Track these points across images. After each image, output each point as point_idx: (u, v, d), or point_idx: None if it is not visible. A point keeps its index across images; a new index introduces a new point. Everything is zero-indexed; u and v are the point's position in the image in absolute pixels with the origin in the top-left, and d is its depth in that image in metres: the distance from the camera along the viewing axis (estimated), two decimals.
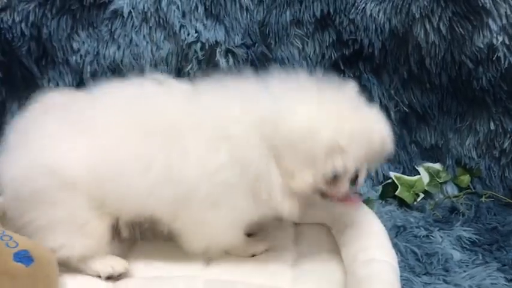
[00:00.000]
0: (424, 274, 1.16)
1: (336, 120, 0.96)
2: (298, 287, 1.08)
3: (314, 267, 1.15)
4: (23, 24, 1.45)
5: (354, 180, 1.03)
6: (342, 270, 1.12)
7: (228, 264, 1.13)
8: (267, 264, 1.15)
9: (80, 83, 1.53)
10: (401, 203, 1.46)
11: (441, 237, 1.28)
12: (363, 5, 1.38)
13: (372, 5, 1.38)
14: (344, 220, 1.23)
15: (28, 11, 1.45)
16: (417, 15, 1.36)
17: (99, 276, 1.09)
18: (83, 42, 1.49)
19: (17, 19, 1.45)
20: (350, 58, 1.44)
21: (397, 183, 1.47)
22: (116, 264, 1.10)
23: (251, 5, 1.43)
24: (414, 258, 1.21)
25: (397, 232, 1.31)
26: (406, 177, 1.49)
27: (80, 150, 1.02)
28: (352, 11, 1.39)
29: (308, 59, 1.45)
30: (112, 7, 1.46)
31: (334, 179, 1.00)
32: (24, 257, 1.04)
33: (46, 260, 1.06)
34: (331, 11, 1.40)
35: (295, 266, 1.16)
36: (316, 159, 0.96)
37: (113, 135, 1.02)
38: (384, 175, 1.54)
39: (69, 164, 1.01)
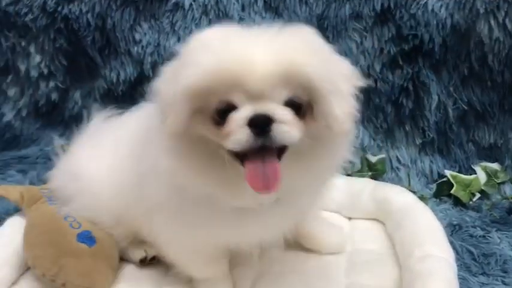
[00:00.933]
0: (481, 274, 1.13)
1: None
2: (353, 278, 1.09)
3: (368, 260, 1.15)
4: (89, 15, 1.52)
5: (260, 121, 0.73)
6: (397, 265, 1.11)
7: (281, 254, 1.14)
8: (322, 257, 1.16)
9: (140, 74, 1.58)
10: (457, 201, 1.43)
11: (499, 238, 1.25)
12: (425, 0, 1.36)
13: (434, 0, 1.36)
14: (398, 216, 1.22)
15: (94, 2, 1.51)
16: (481, 11, 1.33)
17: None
18: (145, 34, 1.54)
19: (84, 10, 1.52)
20: (409, 53, 1.41)
21: (453, 182, 1.44)
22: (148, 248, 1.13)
23: None
24: (470, 258, 1.19)
25: (452, 230, 1.28)
26: (462, 176, 1.46)
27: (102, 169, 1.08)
28: (413, 5, 1.37)
29: (366, 53, 1.44)
30: (173, 0, 1.50)
31: (219, 121, 0.76)
32: (87, 238, 1.09)
33: (107, 242, 1.10)
34: (392, 5, 1.38)
35: (350, 258, 1.16)
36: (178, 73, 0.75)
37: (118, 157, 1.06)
38: (438, 173, 1.51)
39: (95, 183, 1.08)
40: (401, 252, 1.13)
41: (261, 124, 0.72)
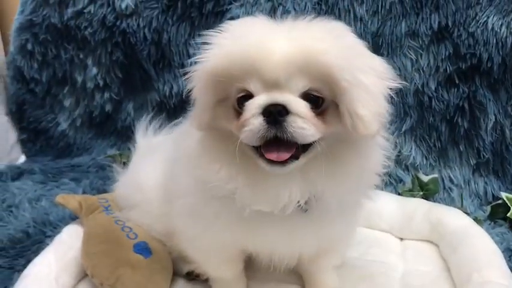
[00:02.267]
0: None
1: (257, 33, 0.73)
2: None
3: (423, 283, 1.13)
4: (146, 29, 1.56)
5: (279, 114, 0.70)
6: None
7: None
8: (374, 278, 1.14)
9: None
10: None
11: None
12: (485, 18, 1.34)
13: (495, 18, 1.33)
14: (454, 239, 1.20)
15: (152, 17, 1.54)
16: None
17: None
18: (199, 48, 1.56)
19: (142, 24, 1.55)
20: (466, 72, 1.39)
21: (509, 205, 1.40)
22: None
23: (366, 15, 1.42)
24: None
25: (510, 256, 1.24)
26: None
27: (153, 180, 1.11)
28: (473, 24, 1.35)
29: (421, 71, 1.42)
30: (229, 15, 1.52)
31: (239, 110, 0.75)
32: (143, 249, 1.10)
33: (162, 253, 1.12)
34: (450, 23, 1.37)
35: (403, 281, 1.14)
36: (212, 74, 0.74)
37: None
38: (493, 195, 1.47)
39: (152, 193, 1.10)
40: (457, 276, 1.11)
41: (274, 113, 0.70)
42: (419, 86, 1.43)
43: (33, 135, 1.82)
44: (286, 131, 0.70)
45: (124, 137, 1.70)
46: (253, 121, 0.71)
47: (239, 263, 1.03)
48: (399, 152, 1.51)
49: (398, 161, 1.51)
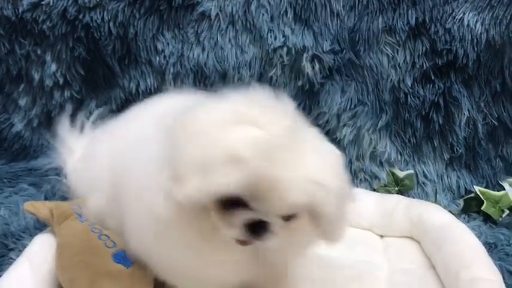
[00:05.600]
0: None
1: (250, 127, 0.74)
2: None
3: (409, 282, 1.12)
4: (111, 23, 1.47)
5: (257, 226, 0.76)
6: (441, 287, 1.09)
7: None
8: (362, 278, 1.12)
9: (161, 84, 1.54)
10: (486, 218, 1.41)
11: None
12: (461, 15, 1.35)
13: (470, 14, 1.35)
14: (436, 235, 1.19)
15: (117, 10, 1.46)
16: None
17: None
18: (168, 43, 1.49)
19: (106, 18, 1.46)
20: (441, 68, 1.40)
21: (482, 198, 1.43)
22: None
23: (342, 11, 1.41)
24: (511, 278, 1.17)
25: (488, 249, 1.26)
26: (491, 192, 1.44)
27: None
28: (449, 20, 1.36)
29: (397, 67, 1.42)
30: (200, 9, 1.46)
31: (227, 207, 0.76)
32: (123, 258, 1.03)
33: (143, 262, 1.05)
34: (427, 19, 1.37)
35: (390, 280, 1.13)
36: (209, 164, 0.72)
37: None
38: (465, 189, 1.50)
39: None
40: (444, 274, 1.10)
41: (256, 230, 0.76)
42: (396, 83, 1.43)
43: None
44: (260, 239, 0.78)
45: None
46: (236, 228, 0.76)
47: None
48: (374, 148, 1.51)
49: (373, 157, 1.51)
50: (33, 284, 0.97)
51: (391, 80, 1.43)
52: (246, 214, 0.75)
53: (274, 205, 0.74)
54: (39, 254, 1.04)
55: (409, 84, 1.43)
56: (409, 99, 1.44)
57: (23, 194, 1.45)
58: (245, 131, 0.73)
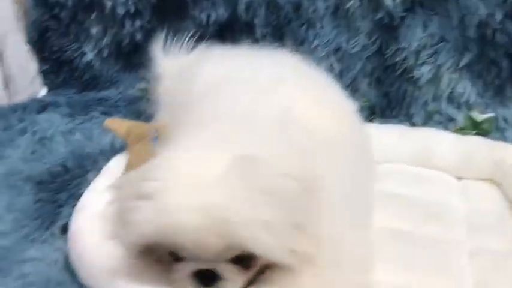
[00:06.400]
0: None
1: None
2: (477, 242, 1.01)
3: (489, 222, 1.08)
4: None
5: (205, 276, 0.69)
6: None
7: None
8: (439, 217, 1.09)
9: (231, 16, 1.50)
10: None
11: None
12: None
13: None
14: None
15: None
16: None
17: None
18: None
19: None
20: None
21: None
22: None
23: None
24: None
25: None
26: None
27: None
28: None
29: (487, 0, 1.31)
30: None
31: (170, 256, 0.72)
32: None
33: None
34: None
35: (468, 220, 1.09)
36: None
37: None
38: None
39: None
40: None
41: (205, 278, 0.69)
42: (483, 17, 1.33)
43: (56, 66, 1.70)
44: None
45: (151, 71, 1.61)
46: (185, 282, 0.70)
47: None
48: (453, 89, 1.43)
49: (451, 98, 1.44)
50: None
51: (479, 14, 1.33)
52: (190, 264, 0.69)
53: (193, 251, 0.67)
54: (116, 171, 1.06)
55: (499, 20, 1.32)
56: (496, 36, 1.34)
57: (95, 121, 1.47)
58: None
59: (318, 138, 0.82)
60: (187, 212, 0.64)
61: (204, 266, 0.69)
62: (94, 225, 0.88)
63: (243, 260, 0.69)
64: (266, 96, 0.89)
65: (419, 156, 1.28)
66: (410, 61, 1.42)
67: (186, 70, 1.19)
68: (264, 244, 0.64)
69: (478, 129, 1.41)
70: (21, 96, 1.68)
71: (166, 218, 0.65)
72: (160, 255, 0.73)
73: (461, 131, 1.41)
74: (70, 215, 0.97)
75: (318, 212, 0.69)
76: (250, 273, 0.71)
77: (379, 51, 1.44)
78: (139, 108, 1.52)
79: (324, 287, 0.73)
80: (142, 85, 1.62)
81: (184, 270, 0.70)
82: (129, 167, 1.04)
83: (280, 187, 0.66)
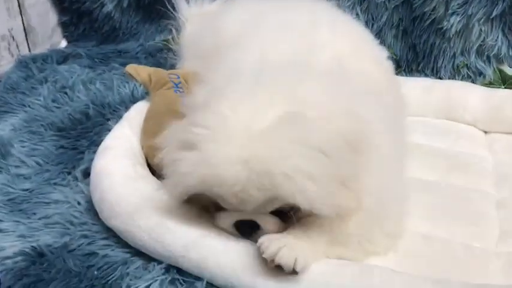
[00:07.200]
0: None
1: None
2: (502, 192, 1.00)
3: None
4: None
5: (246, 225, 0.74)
6: None
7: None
8: (467, 167, 1.06)
9: None
10: None
11: None
12: None
13: None
14: None
15: None
16: None
17: None
18: None
19: None
20: None
21: None
22: None
23: None
24: None
25: None
26: None
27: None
28: None
29: None
30: None
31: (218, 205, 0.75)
32: None
33: None
34: None
35: (496, 171, 1.07)
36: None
37: None
38: None
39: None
40: None
41: (245, 229, 0.73)
42: None
43: (76, 18, 1.68)
44: (251, 239, 0.74)
45: (174, 21, 1.57)
46: (227, 226, 0.75)
47: None
48: (483, 41, 1.38)
49: (481, 51, 1.39)
50: (134, 140, 0.99)
51: None
52: (233, 214, 0.73)
53: (234, 203, 0.69)
54: (136, 118, 1.05)
55: None
56: None
57: (115, 72, 1.46)
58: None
59: (361, 82, 0.82)
60: (229, 165, 0.66)
61: (245, 217, 0.72)
62: (117, 166, 0.89)
63: (283, 213, 0.72)
64: (308, 41, 0.88)
65: (446, 110, 1.25)
66: (440, 11, 1.36)
67: (211, 18, 1.17)
68: (308, 196, 0.65)
69: (508, 83, 1.36)
70: (42, 47, 1.67)
71: (208, 169, 0.67)
72: (205, 205, 0.76)
73: (490, 85, 1.37)
74: (91, 160, 0.97)
75: (365, 167, 0.71)
76: (289, 225, 0.73)
77: (407, 1, 1.39)
78: (159, 60, 1.51)
79: (361, 237, 0.75)
80: (164, 36, 1.60)
81: (227, 219, 0.74)
82: (151, 115, 1.03)
83: (329, 145, 0.67)
